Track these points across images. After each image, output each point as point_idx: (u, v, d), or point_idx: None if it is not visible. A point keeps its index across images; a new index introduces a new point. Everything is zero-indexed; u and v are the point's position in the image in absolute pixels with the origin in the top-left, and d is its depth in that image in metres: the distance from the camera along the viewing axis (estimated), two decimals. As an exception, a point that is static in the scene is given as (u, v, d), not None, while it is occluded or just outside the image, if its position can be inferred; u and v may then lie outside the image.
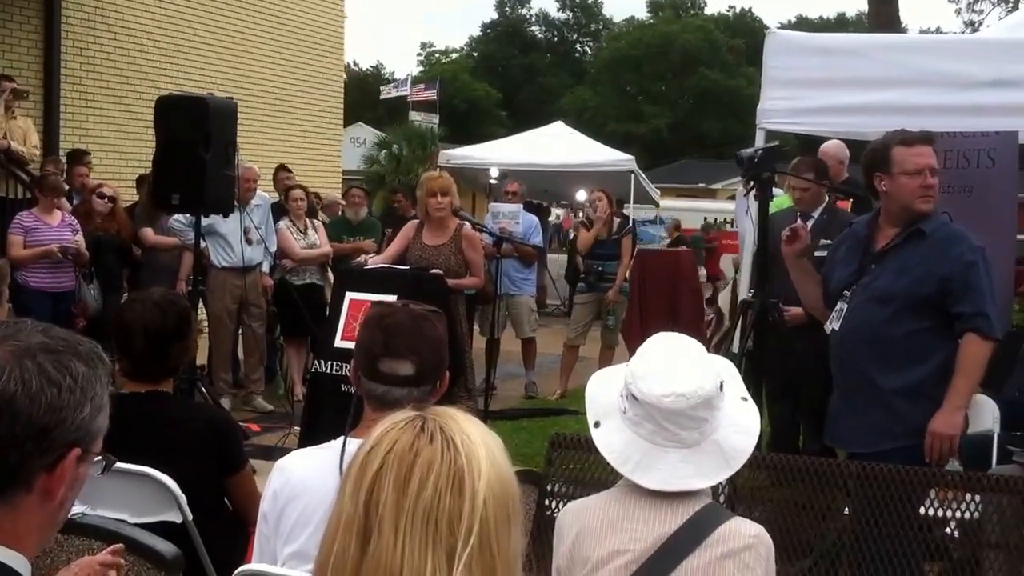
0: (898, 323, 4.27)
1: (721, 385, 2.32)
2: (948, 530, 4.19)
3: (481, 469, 1.41)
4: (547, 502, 4.22)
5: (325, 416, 5.92)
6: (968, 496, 4.14)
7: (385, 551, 1.36)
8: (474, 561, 1.37)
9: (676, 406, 2.25)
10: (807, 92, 5.79)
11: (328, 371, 6.09)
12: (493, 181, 15.23)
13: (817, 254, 6.22)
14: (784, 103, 5.86)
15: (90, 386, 1.53)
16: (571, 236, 15.29)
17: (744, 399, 2.40)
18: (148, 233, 8.79)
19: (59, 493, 1.53)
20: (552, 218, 20.53)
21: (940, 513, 4.16)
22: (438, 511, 1.37)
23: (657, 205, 21.19)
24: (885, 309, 4.28)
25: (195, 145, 6.54)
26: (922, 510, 4.02)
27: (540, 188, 17.51)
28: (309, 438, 5.37)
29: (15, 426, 1.46)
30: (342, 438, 2.58)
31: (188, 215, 7.73)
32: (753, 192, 5.09)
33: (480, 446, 1.43)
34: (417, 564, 1.35)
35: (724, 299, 11.32)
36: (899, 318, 4.27)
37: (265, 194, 9.20)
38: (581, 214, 14.38)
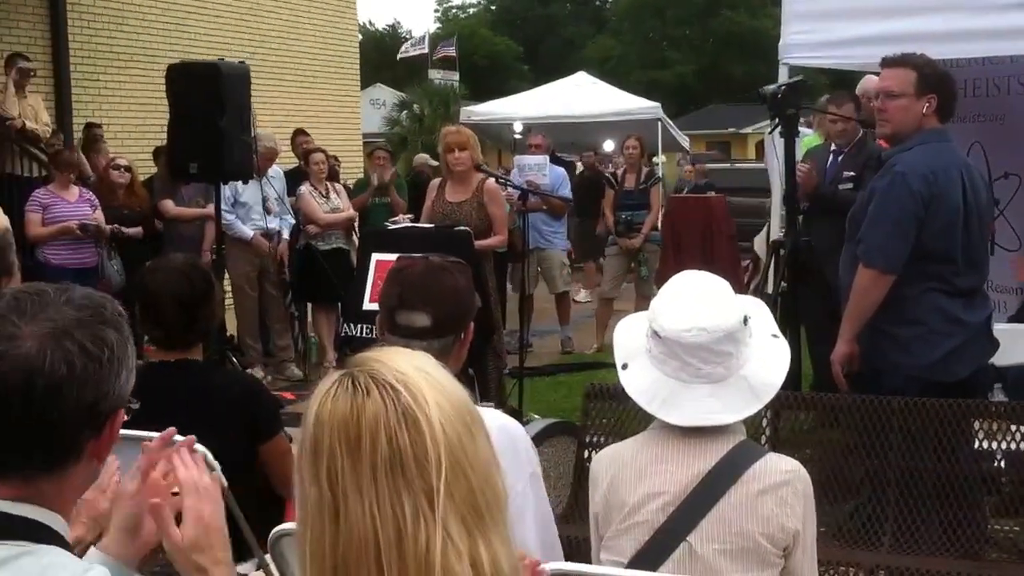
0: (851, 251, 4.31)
1: (746, 320, 2.27)
2: (995, 463, 4.12)
3: (426, 397, 1.37)
4: (586, 453, 4.17)
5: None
6: (1014, 427, 4.06)
7: (355, 519, 1.34)
8: (453, 488, 1.34)
9: (698, 340, 2.21)
10: (828, 24, 5.67)
11: (359, 334, 6.08)
12: (517, 136, 15.04)
13: (841, 187, 6.12)
14: (805, 37, 5.73)
15: (123, 351, 1.58)
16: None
17: (775, 336, 2.35)
18: (168, 205, 8.71)
19: (106, 454, 1.62)
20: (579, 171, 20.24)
21: (987, 445, 4.08)
22: (402, 457, 1.34)
23: (687, 152, 20.84)
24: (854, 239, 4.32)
25: (210, 112, 6.51)
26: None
27: (566, 140, 17.30)
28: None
29: (66, 409, 1.50)
30: None
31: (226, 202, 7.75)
32: (779, 130, 5.00)
33: (416, 374, 1.39)
34: (393, 516, 1.33)
35: (759, 243, 11.16)
36: (850, 248, 4.31)
37: (278, 168, 9.15)
38: (611, 165, 14.19)
